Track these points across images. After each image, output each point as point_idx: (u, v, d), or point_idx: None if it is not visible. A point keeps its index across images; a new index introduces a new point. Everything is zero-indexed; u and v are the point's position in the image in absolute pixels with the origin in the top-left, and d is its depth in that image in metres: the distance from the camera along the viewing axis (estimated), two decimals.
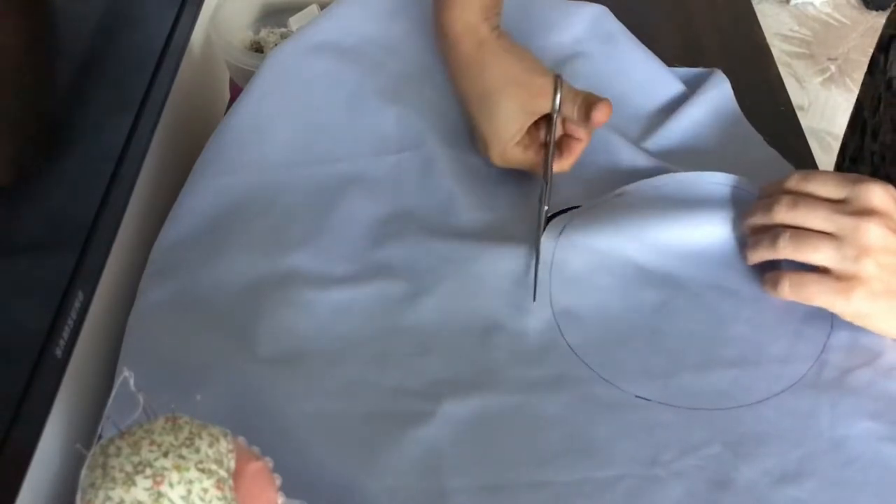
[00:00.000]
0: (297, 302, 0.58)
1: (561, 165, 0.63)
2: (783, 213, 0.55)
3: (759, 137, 0.71)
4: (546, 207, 0.61)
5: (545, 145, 0.62)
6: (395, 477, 0.50)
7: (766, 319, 0.57)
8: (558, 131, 0.63)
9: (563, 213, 0.62)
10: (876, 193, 0.52)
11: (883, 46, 0.71)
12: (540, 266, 0.59)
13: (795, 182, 0.56)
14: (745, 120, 0.72)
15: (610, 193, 0.64)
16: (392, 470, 0.50)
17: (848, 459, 0.51)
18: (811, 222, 0.54)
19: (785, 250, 0.55)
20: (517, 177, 0.66)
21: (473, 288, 0.59)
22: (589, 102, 0.60)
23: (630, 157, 0.67)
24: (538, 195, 0.62)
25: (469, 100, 0.63)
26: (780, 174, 0.57)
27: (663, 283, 0.59)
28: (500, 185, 0.66)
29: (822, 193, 0.54)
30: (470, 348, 0.55)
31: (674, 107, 0.72)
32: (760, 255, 0.57)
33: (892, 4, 0.74)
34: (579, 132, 0.63)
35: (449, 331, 0.56)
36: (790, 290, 0.55)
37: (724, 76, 0.74)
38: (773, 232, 0.55)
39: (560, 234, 0.61)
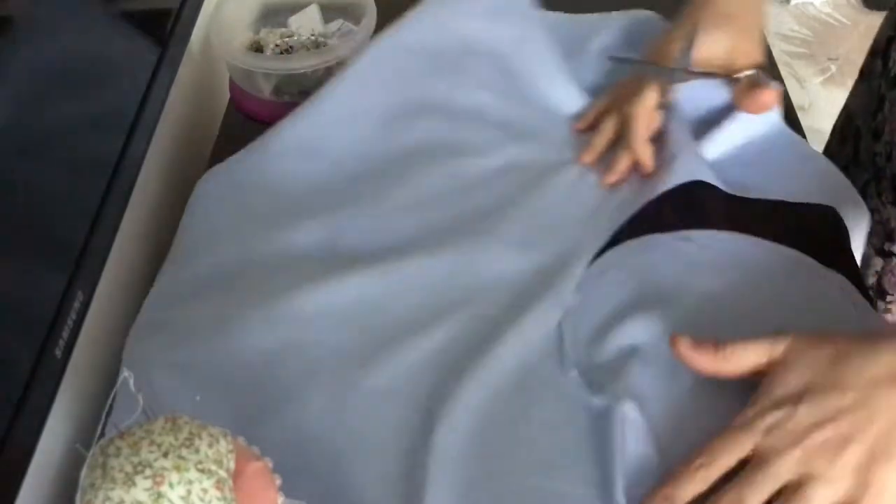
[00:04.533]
0: (300, 304, 0.58)
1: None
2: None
3: (806, 144, 0.67)
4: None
5: None
6: (393, 478, 0.50)
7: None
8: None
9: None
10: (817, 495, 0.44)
11: (878, 51, 0.70)
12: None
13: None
14: (789, 129, 0.68)
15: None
16: (392, 471, 0.50)
17: None
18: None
19: None
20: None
21: (477, 290, 0.59)
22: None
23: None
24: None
25: None
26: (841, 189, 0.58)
27: (662, 294, 0.58)
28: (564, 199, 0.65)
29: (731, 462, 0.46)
30: (471, 352, 0.55)
31: (721, 115, 0.68)
32: None
33: (889, 9, 0.73)
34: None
35: (452, 333, 0.57)
36: None
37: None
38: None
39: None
